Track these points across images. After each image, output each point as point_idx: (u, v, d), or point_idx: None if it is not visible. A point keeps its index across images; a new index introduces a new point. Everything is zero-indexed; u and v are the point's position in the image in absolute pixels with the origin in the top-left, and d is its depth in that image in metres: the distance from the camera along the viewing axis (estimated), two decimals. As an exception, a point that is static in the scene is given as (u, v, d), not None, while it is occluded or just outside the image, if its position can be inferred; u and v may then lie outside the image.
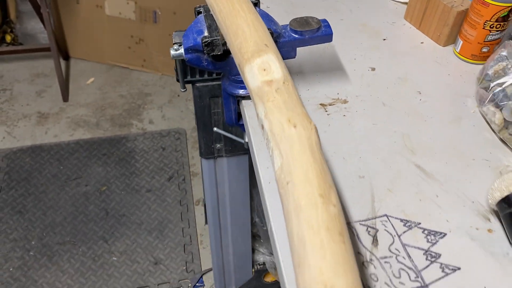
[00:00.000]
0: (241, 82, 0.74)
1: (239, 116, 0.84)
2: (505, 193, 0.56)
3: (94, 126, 2.18)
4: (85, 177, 1.95)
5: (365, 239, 0.58)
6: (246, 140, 0.98)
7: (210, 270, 1.66)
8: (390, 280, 0.54)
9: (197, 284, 1.63)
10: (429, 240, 0.58)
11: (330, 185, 0.45)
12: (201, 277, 1.65)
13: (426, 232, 0.59)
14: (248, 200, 1.22)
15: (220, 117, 1.04)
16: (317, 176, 0.44)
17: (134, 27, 2.34)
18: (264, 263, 1.32)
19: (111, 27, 2.36)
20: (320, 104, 0.75)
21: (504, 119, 0.69)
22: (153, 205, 1.86)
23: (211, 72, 0.95)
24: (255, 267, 1.34)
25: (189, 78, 0.96)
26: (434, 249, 0.57)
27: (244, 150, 1.11)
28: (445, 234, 0.58)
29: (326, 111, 0.74)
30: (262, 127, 0.52)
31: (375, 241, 0.58)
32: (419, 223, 0.60)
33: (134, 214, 1.83)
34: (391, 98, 0.77)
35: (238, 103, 0.80)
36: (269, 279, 1.37)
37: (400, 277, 0.54)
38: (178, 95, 2.34)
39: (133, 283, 1.64)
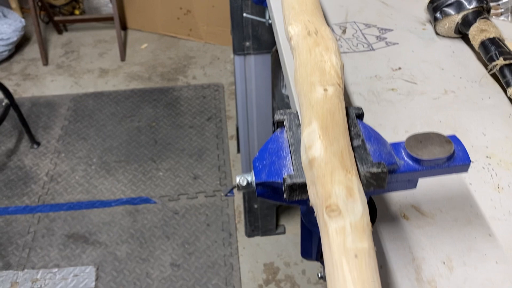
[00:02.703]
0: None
1: (262, -4, 1.15)
2: (431, -3, 0.84)
3: (147, 79, 2.54)
4: (138, 116, 2.30)
5: (337, 30, 0.87)
6: (267, 17, 1.29)
7: (240, 184, 1.95)
8: (351, 47, 0.83)
9: (228, 194, 1.93)
10: (380, 32, 0.87)
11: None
12: (232, 189, 1.95)
13: (379, 28, 0.88)
14: (270, 96, 1.52)
15: (249, 18, 1.36)
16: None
17: (182, 0, 2.71)
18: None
19: (163, 0, 2.75)
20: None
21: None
22: (194, 137, 2.19)
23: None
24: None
25: (226, -18, 1.29)
26: (383, 36, 0.86)
27: (268, 49, 1.42)
28: (392, 30, 0.87)
29: (322, -22, 1.05)
30: None
31: (343, 31, 0.87)
32: (376, 25, 0.88)
33: (178, 143, 2.16)
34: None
35: (260, -19, 1.11)
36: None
37: (357, 46, 0.83)
38: (218, 58, 2.69)
39: (175, 191, 1.95)
